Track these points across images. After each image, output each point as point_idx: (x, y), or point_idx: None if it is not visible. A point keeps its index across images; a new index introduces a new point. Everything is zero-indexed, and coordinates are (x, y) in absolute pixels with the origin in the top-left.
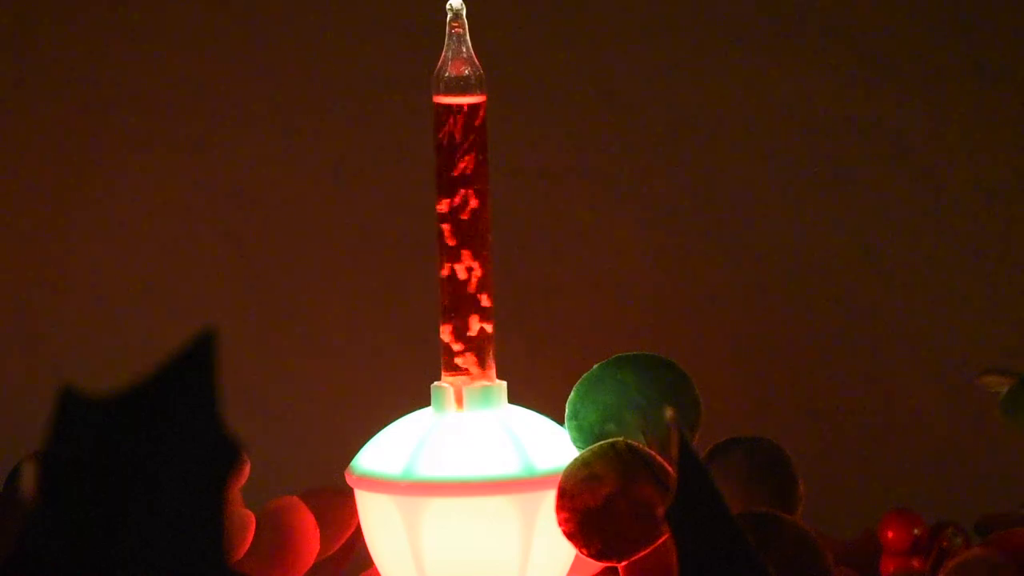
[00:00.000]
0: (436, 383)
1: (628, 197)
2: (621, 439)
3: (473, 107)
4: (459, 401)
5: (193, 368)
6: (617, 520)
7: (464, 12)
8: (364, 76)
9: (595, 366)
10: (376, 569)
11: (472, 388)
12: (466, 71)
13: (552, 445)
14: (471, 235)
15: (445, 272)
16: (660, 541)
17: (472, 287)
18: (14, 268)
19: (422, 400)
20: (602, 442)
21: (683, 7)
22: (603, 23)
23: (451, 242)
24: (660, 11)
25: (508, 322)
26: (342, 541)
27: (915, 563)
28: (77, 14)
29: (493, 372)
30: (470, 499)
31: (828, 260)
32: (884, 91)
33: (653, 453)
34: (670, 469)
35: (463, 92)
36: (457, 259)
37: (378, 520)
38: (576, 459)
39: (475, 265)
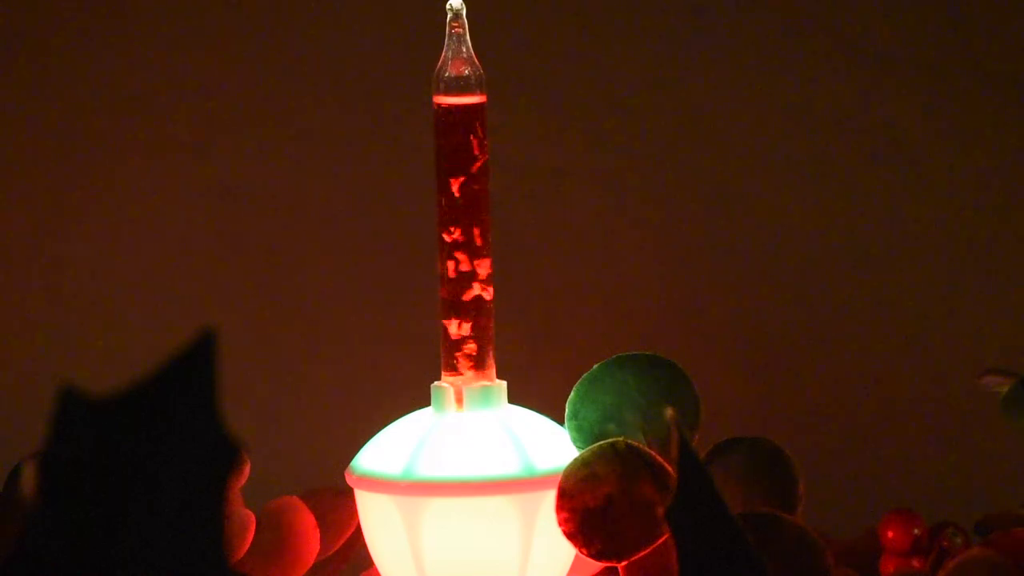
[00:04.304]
0: (436, 383)
1: (628, 197)
2: (621, 439)
3: (473, 107)
4: (459, 401)
5: (193, 368)
6: (617, 520)
7: (464, 12)
8: (364, 76)
9: (595, 366)
10: (376, 569)
11: (472, 388)
12: (466, 71)
13: (552, 445)
14: (471, 235)
15: (445, 271)
16: (660, 541)
17: (472, 287)
18: (14, 268)
19: (422, 400)
20: (602, 442)
21: (683, 7)
22: (603, 23)
23: (451, 241)
24: (660, 11)
25: (508, 322)
26: (342, 541)
27: (915, 563)
28: (77, 14)
29: (493, 372)
30: (470, 499)
31: (828, 260)
32: (884, 91)
33: (653, 453)
34: (670, 469)
35: (463, 92)
36: (457, 259)
37: (378, 520)
38: (576, 459)
39: (475, 265)
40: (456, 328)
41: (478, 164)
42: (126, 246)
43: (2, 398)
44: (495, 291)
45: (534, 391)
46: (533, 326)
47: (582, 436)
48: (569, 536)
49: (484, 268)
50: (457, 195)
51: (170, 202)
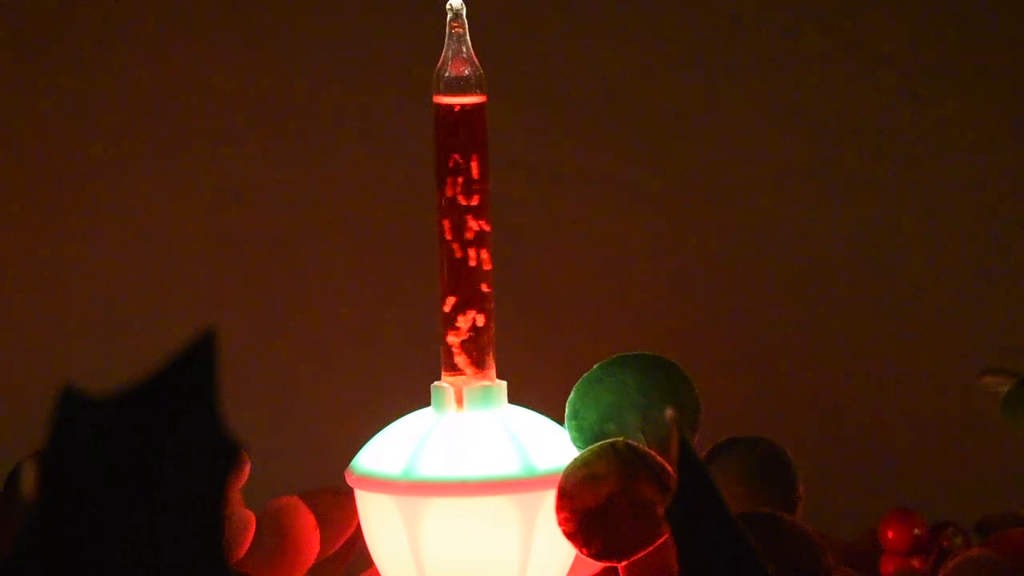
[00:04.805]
0: (436, 383)
1: (628, 197)
2: (621, 439)
3: (473, 107)
4: (459, 401)
5: (193, 368)
6: (617, 520)
7: (464, 12)
8: (364, 76)
9: (595, 366)
10: (376, 569)
11: (472, 388)
12: (466, 71)
13: (552, 445)
14: (471, 235)
15: (445, 272)
16: (660, 541)
17: (472, 286)
18: (14, 268)
19: (422, 400)
20: (602, 442)
21: (683, 6)
22: (603, 23)
23: (451, 242)
24: (660, 11)
25: (508, 322)
26: (342, 541)
27: (915, 563)
28: (77, 14)
29: (493, 372)
30: (470, 499)
31: (828, 260)
32: (884, 91)
33: (653, 453)
34: (670, 469)
35: (463, 92)
36: (457, 258)
37: (378, 520)
38: (576, 459)
39: (475, 264)
40: (456, 328)
41: (478, 164)
42: (127, 246)
43: (2, 398)
44: (495, 290)
45: (534, 391)
46: (533, 326)
47: (582, 436)
48: (569, 536)
49: (484, 267)
50: (456, 195)
51: (170, 202)
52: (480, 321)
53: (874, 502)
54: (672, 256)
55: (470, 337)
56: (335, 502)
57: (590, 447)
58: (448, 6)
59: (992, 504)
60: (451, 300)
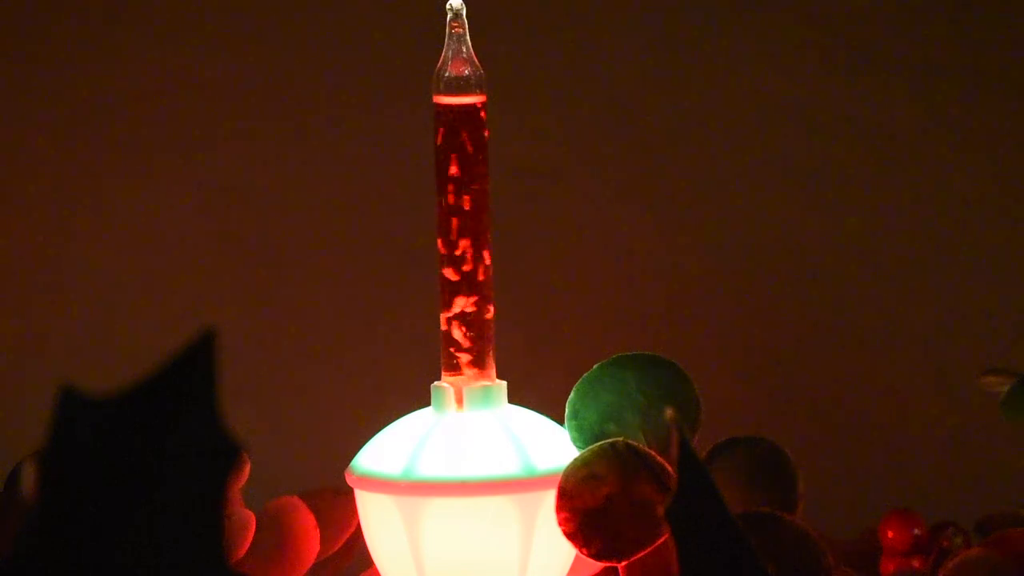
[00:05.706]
0: (436, 383)
1: (628, 197)
2: (621, 439)
3: (473, 107)
4: (459, 401)
5: (193, 368)
6: (617, 520)
7: (464, 12)
8: (364, 76)
9: (595, 366)
10: (376, 569)
11: (472, 388)
12: (466, 71)
13: (552, 445)
14: (471, 235)
15: (445, 272)
16: (660, 541)
17: (472, 286)
18: (15, 268)
19: (422, 400)
20: (602, 442)
21: (683, 7)
22: (603, 23)
23: (451, 242)
24: (660, 11)
25: (508, 322)
26: (342, 541)
27: (915, 563)
28: (77, 14)
29: (493, 372)
30: (470, 499)
31: (828, 260)
32: (883, 92)
33: (653, 453)
34: (670, 469)
35: (463, 92)
36: (457, 259)
37: (378, 520)
38: (576, 459)
39: (475, 264)
40: (456, 328)
41: (478, 164)
42: (127, 246)
43: (2, 398)
44: (495, 291)
45: (534, 391)
46: (533, 326)
47: (582, 436)
48: (569, 536)
49: (484, 267)
50: (457, 195)
51: (171, 202)
52: (480, 321)
53: (874, 502)
54: (672, 256)
55: (470, 337)
56: (335, 502)
57: (590, 447)
58: (448, 6)
59: (992, 504)
60: (451, 300)
